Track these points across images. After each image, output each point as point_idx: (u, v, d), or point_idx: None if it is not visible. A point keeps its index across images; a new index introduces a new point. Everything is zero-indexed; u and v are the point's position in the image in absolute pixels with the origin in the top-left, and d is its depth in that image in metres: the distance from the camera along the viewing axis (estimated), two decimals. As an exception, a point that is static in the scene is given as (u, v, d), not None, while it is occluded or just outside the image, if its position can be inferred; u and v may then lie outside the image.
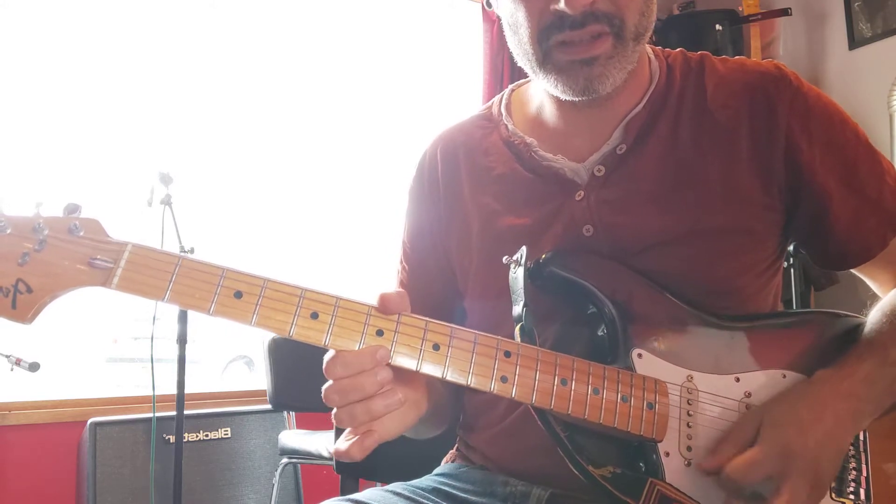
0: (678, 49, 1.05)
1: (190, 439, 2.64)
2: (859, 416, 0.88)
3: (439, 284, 1.09)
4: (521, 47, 0.95)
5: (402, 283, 1.14)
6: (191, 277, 0.76)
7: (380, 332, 0.78)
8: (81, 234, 0.75)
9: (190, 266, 0.76)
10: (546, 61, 0.92)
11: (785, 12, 3.27)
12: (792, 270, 2.88)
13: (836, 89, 3.31)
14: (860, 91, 3.20)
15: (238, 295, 0.76)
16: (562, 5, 0.87)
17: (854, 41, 3.25)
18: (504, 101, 1.09)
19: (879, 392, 0.89)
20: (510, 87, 1.13)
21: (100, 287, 0.75)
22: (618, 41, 0.89)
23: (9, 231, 0.73)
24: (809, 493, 0.82)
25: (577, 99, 0.94)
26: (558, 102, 1.00)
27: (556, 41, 0.90)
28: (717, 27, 3.29)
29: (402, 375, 0.80)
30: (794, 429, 0.83)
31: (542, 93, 1.03)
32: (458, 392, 1.08)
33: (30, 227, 0.74)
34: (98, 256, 0.75)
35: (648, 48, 1.02)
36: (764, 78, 0.97)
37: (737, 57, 1.04)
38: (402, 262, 1.14)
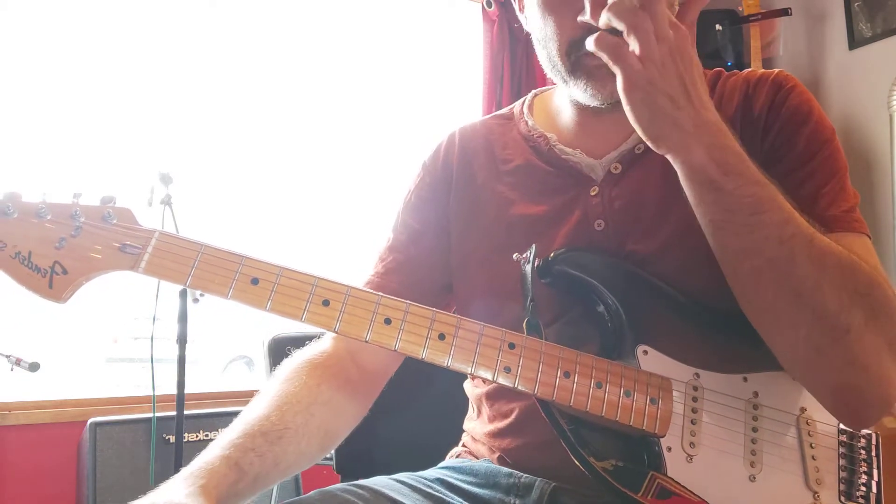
0: None
1: (190, 439, 2.62)
2: (722, 165, 0.80)
3: (423, 255, 1.09)
4: (550, 60, 0.98)
5: (387, 250, 1.11)
6: (211, 264, 0.82)
7: (388, 321, 0.82)
8: (114, 221, 0.82)
9: (211, 253, 0.82)
10: (576, 69, 0.95)
11: (785, 12, 3.28)
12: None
13: (836, 89, 3.32)
14: (860, 91, 3.21)
15: (255, 282, 0.82)
16: (587, 17, 0.85)
17: (854, 41, 3.26)
18: (527, 103, 1.13)
19: (739, 181, 0.81)
20: (533, 91, 1.16)
21: (128, 271, 0.82)
22: None
23: (49, 217, 0.80)
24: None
25: (604, 105, 0.95)
26: (579, 108, 1.03)
27: (585, 52, 0.89)
28: (717, 27, 3.30)
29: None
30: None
31: (564, 99, 1.06)
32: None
33: (68, 214, 0.81)
34: (128, 242, 0.82)
35: None
36: (762, 79, 0.99)
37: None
38: (391, 234, 1.12)
